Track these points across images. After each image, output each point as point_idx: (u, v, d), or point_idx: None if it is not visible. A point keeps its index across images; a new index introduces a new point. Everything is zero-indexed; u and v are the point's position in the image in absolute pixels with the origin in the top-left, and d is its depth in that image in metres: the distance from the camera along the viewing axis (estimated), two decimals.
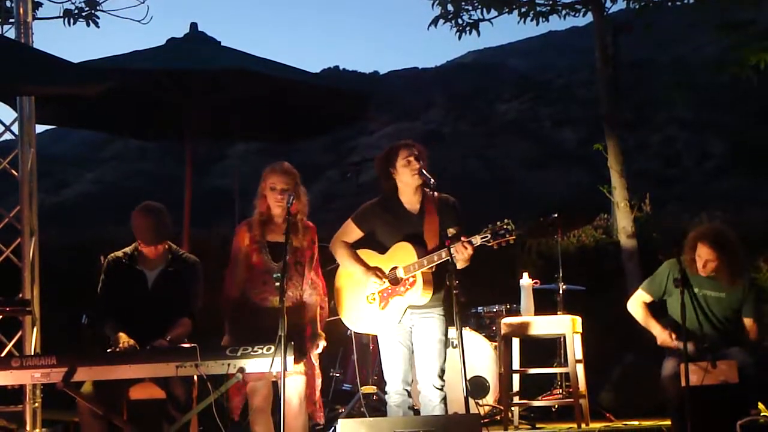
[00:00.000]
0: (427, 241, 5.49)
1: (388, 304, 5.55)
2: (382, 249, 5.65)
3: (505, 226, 5.27)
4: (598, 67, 10.06)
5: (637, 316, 6.44)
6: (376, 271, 5.57)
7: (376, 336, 5.73)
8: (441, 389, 5.44)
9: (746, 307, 6.23)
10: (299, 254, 5.73)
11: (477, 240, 5.30)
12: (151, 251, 5.81)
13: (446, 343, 5.57)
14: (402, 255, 5.52)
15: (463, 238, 5.32)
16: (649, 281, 6.44)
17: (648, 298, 6.40)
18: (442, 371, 5.47)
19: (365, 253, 5.69)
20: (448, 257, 5.26)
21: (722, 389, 5.76)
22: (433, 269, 5.44)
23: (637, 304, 6.44)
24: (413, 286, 5.47)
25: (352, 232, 5.73)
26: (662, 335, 6.21)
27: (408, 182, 5.58)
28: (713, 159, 34.88)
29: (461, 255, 5.30)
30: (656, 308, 6.43)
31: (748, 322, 6.24)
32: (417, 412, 5.67)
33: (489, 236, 5.28)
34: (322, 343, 5.81)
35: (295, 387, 5.55)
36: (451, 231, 5.43)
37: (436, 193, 5.56)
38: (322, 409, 5.89)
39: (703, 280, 6.14)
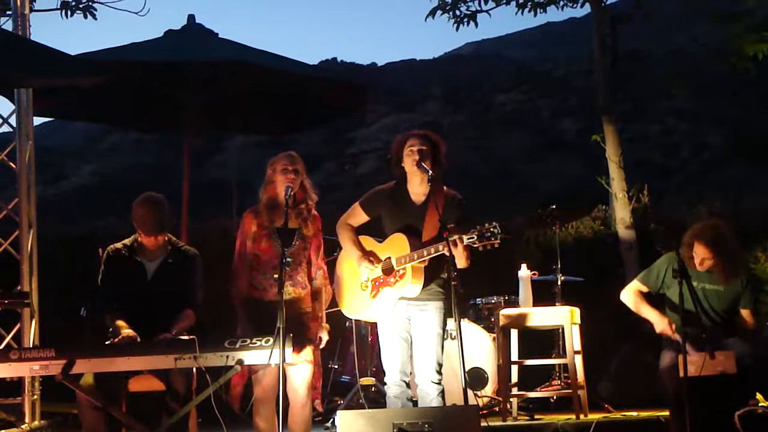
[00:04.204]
0: (423, 234, 5.47)
1: (378, 294, 5.56)
2: (385, 237, 5.66)
3: (492, 229, 5.20)
4: (596, 58, 10.06)
5: (630, 303, 6.44)
6: (369, 256, 5.58)
7: (375, 327, 5.73)
8: (438, 383, 5.43)
9: (743, 299, 6.25)
10: (307, 241, 5.76)
11: (464, 240, 5.26)
12: (151, 242, 5.80)
13: (444, 335, 5.56)
14: (396, 245, 5.52)
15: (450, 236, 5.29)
16: (645, 272, 6.45)
17: (643, 288, 6.40)
18: (440, 365, 5.46)
19: (365, 240, 5.71)
20: (443, 252, 5.23)
21: (720, 380, 5.77)
22: (425, 263, 5.43)
23: (630, 292, 6.45)
24: (402, 278, 5.46)
25: (357, 215, 5.74)
26: (661, 323, 6.21)
27: (411, 171, 5.58)
28: (711, 149, 34.91)
29: (454, 253, 5.26)
30: (652, 301, 6.43)
31: (745, 312, 6.27)
32: (416, 403, 5.67)
33: (475, 238, 5.23)
34: (325, 336, 5.80)
35: (303, 376, 5.54)
36: (449, 227, 5.42)
37: (445, 188, 5.55)
38: (320, 397, 5.88)
39: (701, 274, 6.17)
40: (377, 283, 5.58)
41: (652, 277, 6.36)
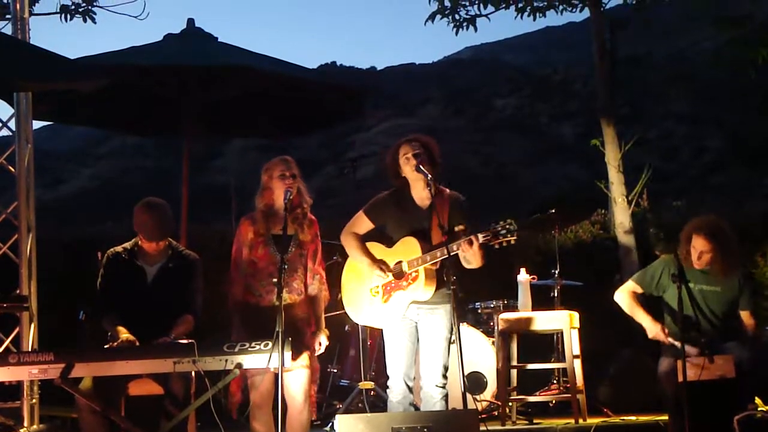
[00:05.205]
0: (432, 237, 5.46)
1: (390, 298, 5.53)
2: (391, 243, 5.63)
3: (507, 226, 5.21)
4: (596, 62, 10.07)
5: (623, 304, 6.41)
6: (381, 264, 5.55)
7: (374, 331, 5.72)
8: (443, 387, 5.43)
9: (742, 300, 6.24)
10: (304, 247, 5.74)
11: (479, 238, 5.26)
12: (152, 247, 5.80)
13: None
14: (407, 249, 5.50)
15: (463, 237, 5.30)
16: (641, 273, 6.44)
17: (638, 289, 6.39)
18: (446, 369, 5.45)
19: (373, 246, 5.67)
20: (458, 252, 5.25)
21: (719, 384, 5.76)
22: (437, 265, 5.42)
23: (624, 293, 6.42)
24: (415, 281, 5.45)
25: (362, 224, 5.71)
26: (653, 328, 6.20)
27: (413, 177, 5.58)
28: (711, 153, 34.92)
29: (469, 253, 5.27)
30: (647, 304, 6.42)
31: (745, 315, 6.25)
32: (417, 408, 5.66)
33: (490, 236, 5.24)
34: (324, 341, 5.79)
35: (300, 381, 5.54)
36: (458, 229, 5.42)
37: (447, 190, 5.57)
38: (314, 404, 5.87)
39: (698, 275, 6.14)
40: (388, 288, 5.55)
41: (647, 278, 6.35)
